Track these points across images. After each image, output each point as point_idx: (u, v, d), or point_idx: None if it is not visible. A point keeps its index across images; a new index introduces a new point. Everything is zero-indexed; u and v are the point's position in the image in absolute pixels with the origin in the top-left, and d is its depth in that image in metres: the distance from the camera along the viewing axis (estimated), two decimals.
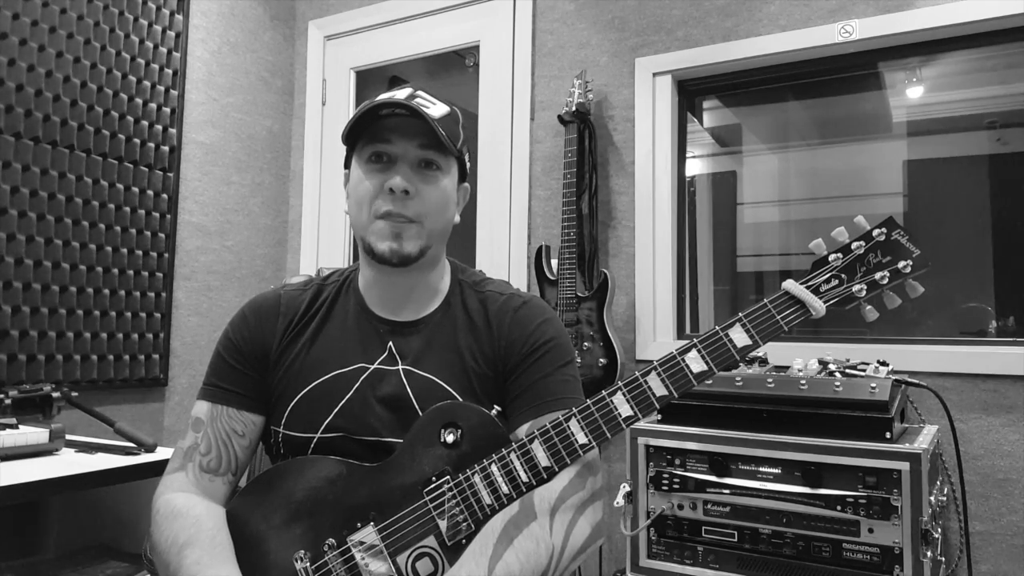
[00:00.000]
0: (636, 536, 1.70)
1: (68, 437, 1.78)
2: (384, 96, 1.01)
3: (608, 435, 0.92)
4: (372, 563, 0.94)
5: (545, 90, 2.51)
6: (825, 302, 0.91)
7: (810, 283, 0.93)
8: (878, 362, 1.68)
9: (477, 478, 0.93)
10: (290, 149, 3.06)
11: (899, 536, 1.43)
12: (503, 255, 2.54)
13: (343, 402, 1.02)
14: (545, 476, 0.93)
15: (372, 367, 1.03)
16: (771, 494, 1.56)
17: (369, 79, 3.07)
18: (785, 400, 1.60)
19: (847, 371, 1.68)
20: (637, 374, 0.92)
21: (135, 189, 2.39)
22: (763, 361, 1.89)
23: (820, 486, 1.51)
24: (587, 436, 0.92)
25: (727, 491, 1.61)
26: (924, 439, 1.54)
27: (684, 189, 2.39)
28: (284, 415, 1.04)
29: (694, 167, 2.51)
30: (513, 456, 0.93)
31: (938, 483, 1.61)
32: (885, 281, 0.91)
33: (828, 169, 2.36)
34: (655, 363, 0.92)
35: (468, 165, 1.12)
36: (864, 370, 1.67)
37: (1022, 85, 2.03)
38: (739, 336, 0.90)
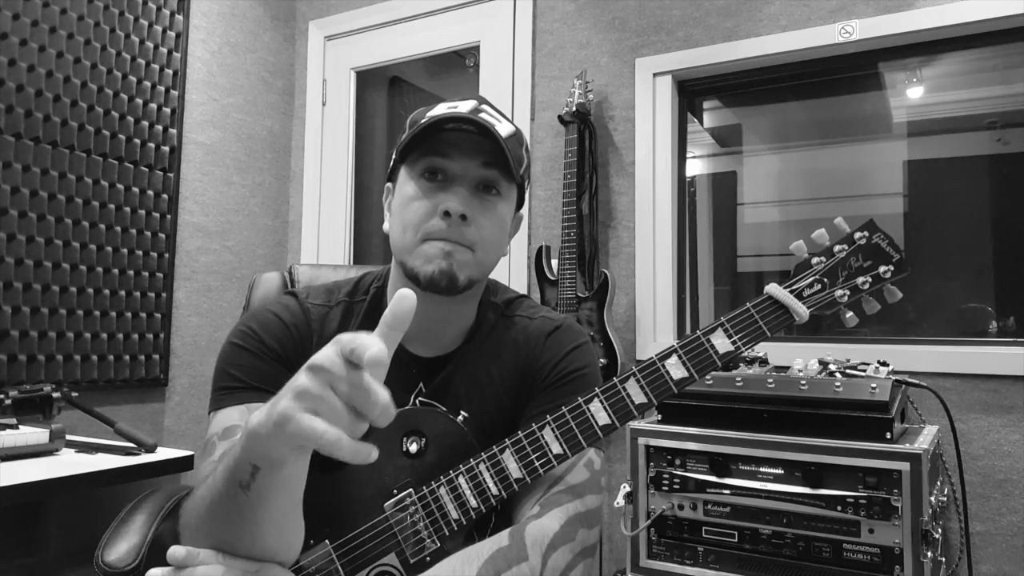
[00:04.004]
0: (636, 536, 1.70)
1: (68, 437, 1.78)
2: (445, 108, 0.90)
3: (583, 445, 0.85)
4: None
5: (545, 90, 2.51)
6: (808, 307, 0.88)
7: (793, 287, 0.90)
8: (878, 362, 1.68)
9: (443, 491, 0.86)
10: (290, 149, 3.06)
11: (899, 536, 1.43)
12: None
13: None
14: (516, 488, 0.86)
15: (399, 411, 0.93)
16: (771, 494, 1.56)
17: (369, 79, 3.07)
18: (785, 400, 1.60)
19: (847, 371, 1.68)
20: (615, 379, 0.86)
21: (135, 189, 2.39)
22: (763, 361, 1.89)
23: (820, 486, 1.51)
24: (561, 446, 0.85)
25: (727, 491, 1.61)
26: (924, 439, 1.54)
27: (684, 189, 2.39)
28: None
29: (694, 167, 2.51)
30: (482, 467, 0.86)
31: (938, 483, 1.61)
32: (867, 287, 0.89)
33: (828, 169, 2.36)
34: (634, 369, 0.87)
35: (527, 193, 1.02)
36: (864, 370, 1.67)
37: (1022, 85, 2.03)
38: (721, 342, 0.86)
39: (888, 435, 1.48)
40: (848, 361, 1.73)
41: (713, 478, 1.62)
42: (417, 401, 0.95)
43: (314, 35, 3.05)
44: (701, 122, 2.54)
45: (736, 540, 1.60)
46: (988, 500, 1.80)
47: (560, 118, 2.28)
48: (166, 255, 2.49)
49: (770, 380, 1.63)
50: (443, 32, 2.76)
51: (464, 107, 0.91)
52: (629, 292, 2.31)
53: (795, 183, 2.43)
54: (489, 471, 0.86)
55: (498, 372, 0.97)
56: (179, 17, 2.54)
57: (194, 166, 2.63)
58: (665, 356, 0.87)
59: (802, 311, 0.87)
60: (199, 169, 2.65)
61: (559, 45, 2.50)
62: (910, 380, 1.69)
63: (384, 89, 3.17)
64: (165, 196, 2.48)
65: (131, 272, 2.37)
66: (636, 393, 0.86)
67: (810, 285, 0.89)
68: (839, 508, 1.49)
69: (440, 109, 0.91)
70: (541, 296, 2.28)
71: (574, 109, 2.23)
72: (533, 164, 2.50)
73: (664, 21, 2.31)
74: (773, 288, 0.89)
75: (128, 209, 2.37)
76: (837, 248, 0.91)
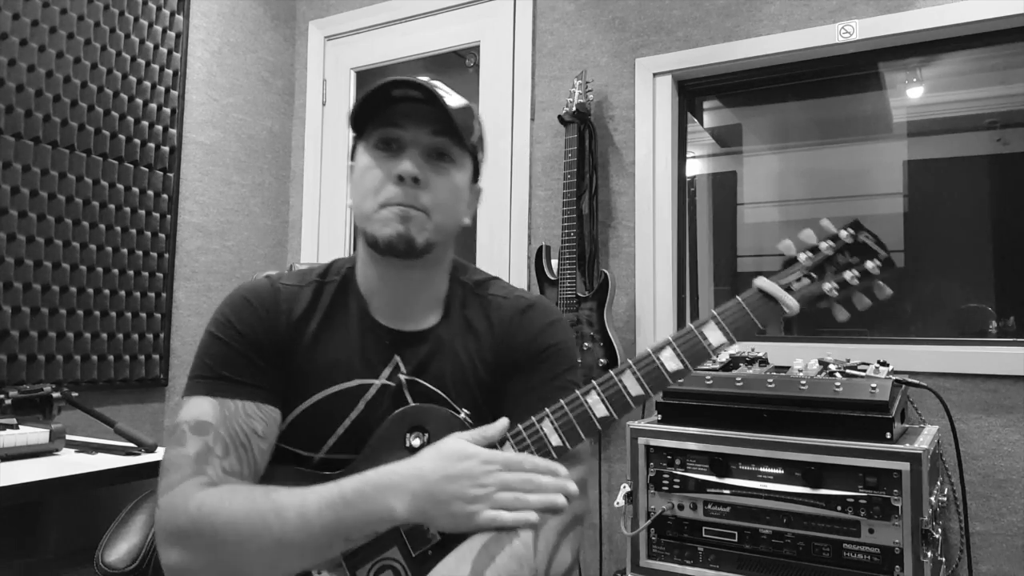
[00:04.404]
0: (636, 536, 1.70)
1: (68, 437, 1.78)
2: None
3: (583, 436, 0.89)
4: None
5: (545, 90, 2.51)
6: (798, 299, 0.91)
7: (782, 281, 0.92)
8: (878, 362, 1.68)
9: None
10: (290, 149, 3.06)
11: (899, 536, 1.43)
12: (503, 255, 2.54)
13: (348, 423, 0.94)
14: None
15: (377, 382, 0.96)
16: (771, 494, 1.56)
17: (369, 79, 3.07)
18: (785, 400, 1.60)
19: (847, 371, 1.68)
20: (611, 372, 0.89)
21: (135, 189, 2.39)
22: (763, 361, 1.89)
23: (820, 486, 1.51)
24: (561, 438, 0.88)
25: (727, 491, 1.61)
26: (924, 439, 1.54)
27: (684, 189, 2.39)
28: (284, 428, 0.95)
29: (694, 167, 2.51)
30: None
31: (938, 483, 1.61)
32: (855, 282, 0.92)
33: (828, 169, 2.36)
34: (629, 362, 0.90)
35: (483, 164, 1.04)
36: (864, 370, 1.67)
37: (1022, 85, 2.03)
38: (714, 334, 0.89)
39: (888, 435, 1.48)
40: (848, 361, 1.73)
41: (713, 478, 1.62)
42: (402, 380, 0.96)
43: (314, 35, 3.05)
44: (701, 122, 2.54)
45: (736, 540, 1.60)
46: (988, 500, 1.80)
47: (560, 118, 2.28)
48: (166, 255, 2.49)
49: (770, 380, 1.63)
50: (443, 32, 2.76)
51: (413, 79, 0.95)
52: (629, 292, 2.31)
53: (795, 183, 2.43)
54: None
55: (475, 348, 0.99)
56: (179, 17, 2.54)
57: (194, 166, 2.63)
58: (660, 349, 0.89)
59: (792, 303, 0.90)
60: (199, 169, 2.65)
61: (559, 45, 2.50)
62: (910, 380, 1.69)
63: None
64: (165, 196, 2.48)
65: (131, 272, 2.37)
66: (632, 385, 0.88)
67: (798, 279, 0.92)
68: (839, 508, 1.49)
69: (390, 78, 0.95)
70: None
71: (574, 109, 2.23)
72: (533, 164, 2.50)
73: (664, 21, 2.31)
74: (762, 281, 0.91)
75: (128, 209, 2.37)
76: (824, 245, 0.94)
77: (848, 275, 0.92)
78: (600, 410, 0.88)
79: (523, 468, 0.85)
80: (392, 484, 0.82)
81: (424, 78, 0.95)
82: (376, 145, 0.94)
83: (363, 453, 0.92)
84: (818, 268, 0.93)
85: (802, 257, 0.93)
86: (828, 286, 0.91)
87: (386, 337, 0.98)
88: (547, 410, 0.89)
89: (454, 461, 0.83)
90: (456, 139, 0.95)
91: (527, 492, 0.83)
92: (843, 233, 0.94)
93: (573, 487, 0.86)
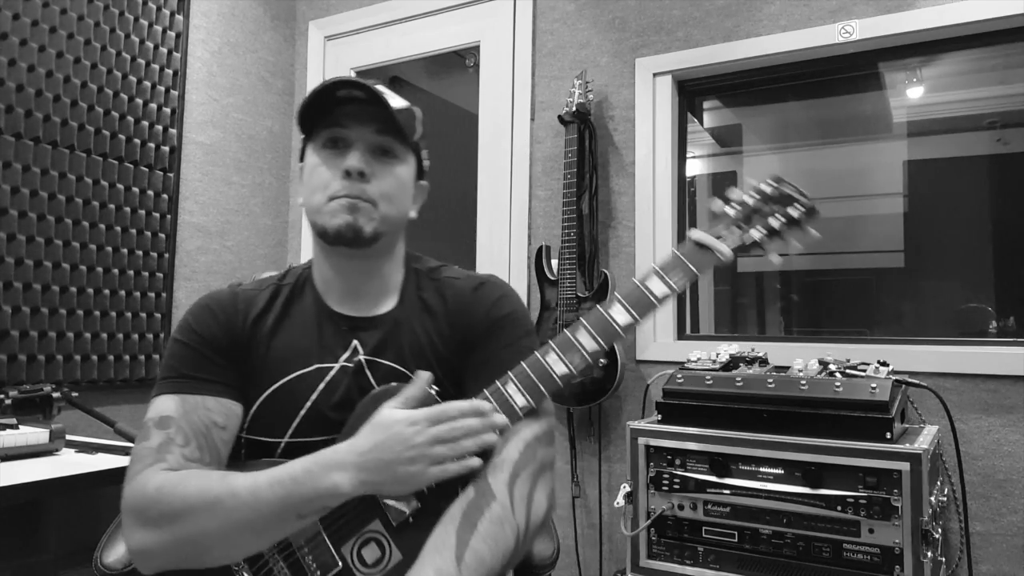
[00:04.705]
0: (636, 536, 1.70)
1: (68, 437, 1.78)
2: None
3: (545, 393, 0.94)
4: (315, 557, 0.91)
5: (545, 90, 2.51)
6: (730, 247, 0.98)
7: (713, 231, 1.00)
8: (878, 362, 1.68)
9: None
10: (290, 149, 3.06)
11: (899, 536, 1.43)
12: (503, 255, 2.54)
13: (309, 404, 0.99)
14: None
15: (336, 366, 1.00)
16: (771, 494, 1.56)
17: (369, 79, 3.07)
18: (785, 400, 1.60)
19: (847, 371, 1.68)
20: (567, 332, 0.96)
21: (135, 189, 2.39)
22: (763, 361, 1.89)
23: (820, 486, 1.51)
24: (525, 398, 0.94)
25: (727, 491, 1.61)
26: (924, 439, 1.54)
27: (684, 189, 2.39)
28: (247, 420, 1.00)
29: (694, 167, 2.51)
30: None
31: (938, 483, 1.61)
32: (780, 226, 1.00)
33: (828, 169, 2.36)
34: (582, 320, 0.96)
35: (427, 163, 1.11)
36: (864, 370, 1.67)
37: (1022, 85, 2.03)
38: (656, 285, 0.96)
39: (888, 435, 1.48)
40: (848, 361, 1.73)
41: (713, 478, 1.62)
42: (362, 360, 1.01)
43: (314, 35, 3.05)
44: (701, 122, 2.54)
45: (736, 540, 1.60)
46: (988, 500, 1.80)
47: (560, 118, 2.28)
48: (166, 255, 2.49)
49: (770, 380, 1.63)
50: (443, 32, 2.76)
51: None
52: None
53: (795, 183, 2.43)
54: None
55: (432, 326, 1.04)
56: (179, 17, 2.54)
57: (194, 166, 2.63)
58: (609, 305, 0.97)
59: (724, 249, 0.98)
60: (199, 169, 2.65)
61: (559, 45, 2.50)
62: (910, 380, 1.69)
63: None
64: (165, 196, 2.48)
65: (131, 272, 2.37)
66: (587, 341, 0.95)
67: (728, 229, 1.01)
68: (839, 508, 1.49)
69: (334, 79, 1.01)
70: (541, 296, 2.28)
71: (574, 109, 2.23)
72: (533, 164, 2.50)
73: (664, 21, 2.31)
74: (695, 232, 1.00)
75: (128, 209, 2.37)
76: (749, 198, 1.03)
77: (773, 221, 1.00)
78: (560, 368, 0.94)
79: (449, 417, 0.88)
80: (334, 462, 0.87)
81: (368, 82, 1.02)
82: (324, 144, 1.00)
83: (343, 433, 0.95)
84: (746, 218, 1.01)
85: (730, 210, 1.02)
86: (756, 233, 1.00)
87: (343, 323, 1.03)
88: (509, 373, 0.94)
89: (383, 430, 0.88)
90: (399, 137, 1.01)
91: (460, 439, 0.88)
92: (764, 186, 1.03)
93: (501, 419, 0.91)
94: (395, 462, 0.86)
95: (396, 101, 1.00)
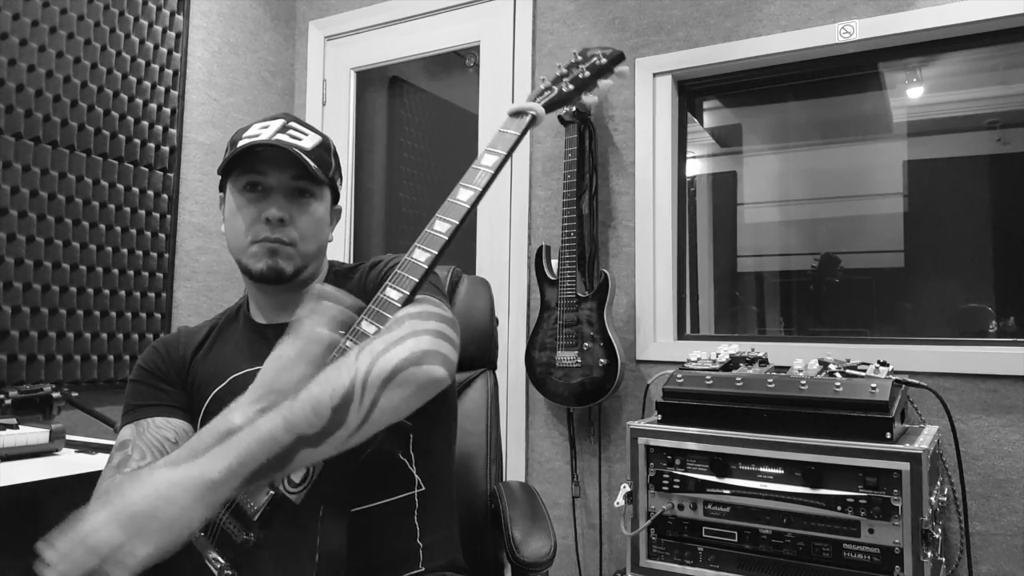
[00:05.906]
0: (636, 536, 1.70)
1: (68, 437, 1.78)
2: (255, 132, 1.08)
3: (388, 317, 0.96)
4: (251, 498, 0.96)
5: None
6: (542, 103, 1.10)
7: (529, 99, 1.12)
8: (878, 362, 1.68)
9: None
10: None
11: (899, 536, 1.43)
12: (503, 255, 2.54)
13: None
14: None
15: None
16: (771, 494, 1.56)
17: (369, 79, 3.07)
18: (785, 400, 1.60)
19: (847, 371, 1.68)
20: (397, 269, 0.98)
21: (135, 189, 2.39)
22: (763, 361, 1.89)
23: (820, 486, 1.51)
24: (374, 326, 0.96)
25: (727, 491, 1.61)
26: (924, 439, 1.54)
27: (684, 189, 2.39)
28: (197, 426, 1.10)
29: (694, 167, 2.51)
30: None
31: (938, 483, 1.61)
32: (587, 75, 1.13)
33: (828, 169, 2.36)
34: (405, 256, 1.00)
35: (340, 188, 1.19)
36: (864, 370, 1.67)
37: (1022, 85, 2.03)
38: (488, 159, 1.06)
39: (888, 435, 1.48)
40: (848, 361, 1.73)
41: (713, 478, 1.62)
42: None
43: (314, 35, 3.05)
44: (701, 122, 2.54)
45: (736, 540, 1.60)
46: (988, 500, 1.80)
47: (560, 118, 2.28)
48: (166, 255, 2.49)
49: (770, 380, 1.63)
50: (443, 32, 2.76)
51: (273, 127, 1.08)
52: (629, 292, 2.31)
53: (795, 183, 2.43)
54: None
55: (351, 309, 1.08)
56: (179, 17, 2.54)
57: (194, 166, 2.63)
58: (413, 251, 1.00)
59: (537, 108, 1.09)
60: (199, 169, 2.65)
61: (559, 45, 2.50)
62: (910, 380, 1.69)
63: (384, 89, 3.17)
64: (165, 196, 2.48)
65: (131, 272, 2.37)
66: (418, 259, 0.99)
67: (541, 93, 1.14)
68: (839, 508, 1.49)
69: (253, 130, 1.09)
70: (541, 296, 2.28)
71: (574, 109, 2.23)
72: (533, 164, 2.50)
73: (664, 21, 2.31)
74: (513, 106, 1.11)
75: (128, 209, 2.37)
76: (558, 72, 1.16)
77: (579, 73, 1.13)
78: (394, 295, 0.97)
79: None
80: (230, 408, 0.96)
81: (280, 122, 1.10)
82: (244, 188, 1.08)
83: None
84: (556, 80, 1.15)
85: (542, 86, 1.15)
86: (566, 86, 1.13)
87: (270, 332, 1.10)
88: (370, 306, 0.98)
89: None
90: (314, 180, 1.09)
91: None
92: (571, 59, 1.16)
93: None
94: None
95: (309, 140, 1.08)
